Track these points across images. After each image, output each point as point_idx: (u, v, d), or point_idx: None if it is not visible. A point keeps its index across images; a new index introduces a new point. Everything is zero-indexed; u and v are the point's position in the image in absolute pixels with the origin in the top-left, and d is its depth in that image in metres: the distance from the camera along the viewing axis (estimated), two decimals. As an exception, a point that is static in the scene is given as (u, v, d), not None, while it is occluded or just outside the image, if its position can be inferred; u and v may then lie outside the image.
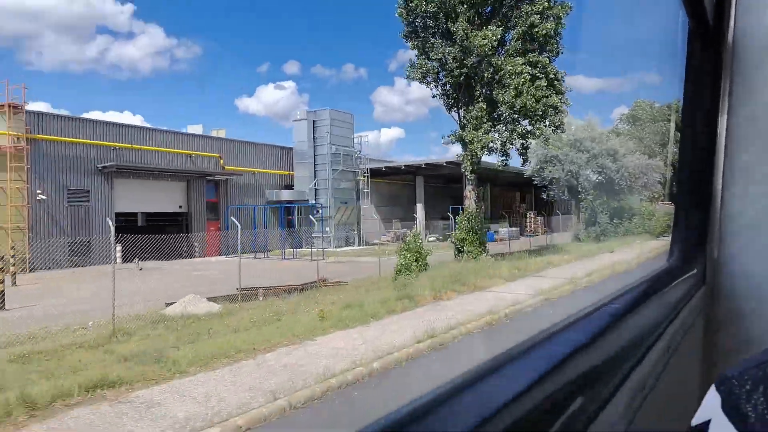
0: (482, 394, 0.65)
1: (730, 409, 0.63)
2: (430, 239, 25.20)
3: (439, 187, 29.15)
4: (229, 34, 72.34)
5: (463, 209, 15.14)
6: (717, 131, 1.56)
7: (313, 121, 23.74)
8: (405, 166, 24.96)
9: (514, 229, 24.54)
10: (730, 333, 1.75)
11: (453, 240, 15.12)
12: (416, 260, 11.94)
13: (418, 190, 25.89)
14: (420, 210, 25.85)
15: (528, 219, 28.36)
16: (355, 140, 24.94)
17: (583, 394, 0.78)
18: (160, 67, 69.16)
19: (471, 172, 14.60)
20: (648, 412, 1.04)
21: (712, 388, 0.66)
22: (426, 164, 24.26)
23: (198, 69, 68.50)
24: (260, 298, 9.59)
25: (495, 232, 24.40)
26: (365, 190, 24.53)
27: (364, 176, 24.55)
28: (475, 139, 13.95)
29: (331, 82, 77.00)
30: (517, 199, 30.79)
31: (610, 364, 0.94)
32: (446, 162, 22.47)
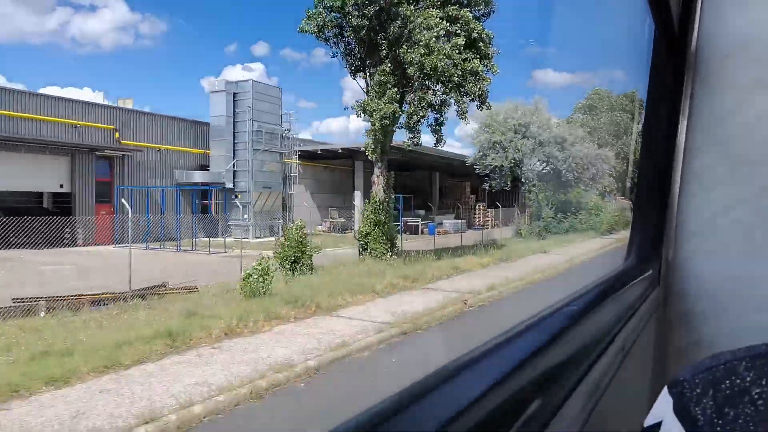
0: (443, 397, 0.69)
1: (681, 411, 0.70)
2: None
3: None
4: (196, 11, 73.94)
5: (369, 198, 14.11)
6: (677, 135, 1.74)
7: (234, 93, 22.36)
8: (342, 149, 24.94)
9: (460, 221, 25.06)
10: (681, 334, 1.95)
11: (356, 236, 13.60)
12: (294, 260, 10.51)
13: (356, 176, 26.32)
14: (358, 198, 26.12)
15: (477, 211, 29.04)
16: (284, 118, 23.71)
17: (541, 396, 0.85)
18: (123, 43, 70.98)
19: (373, 152, 12.90)
20: (603, 412, 1.13)
21: (665, 390, 0.73)
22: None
23: (163, 46, 70.00)
24: (41, 314, 7.42)
25: (439, 224, 24.89)
26: (293, 174, 23.92)
27: (294, 159, 23.83)
28: (376, 110, 12.01)
29: (302, 65, 78.44)
30: (467, 189, 32.62)
31: (567, 365, 1.02)
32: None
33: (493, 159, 22.46)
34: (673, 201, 1.80)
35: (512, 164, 22.19)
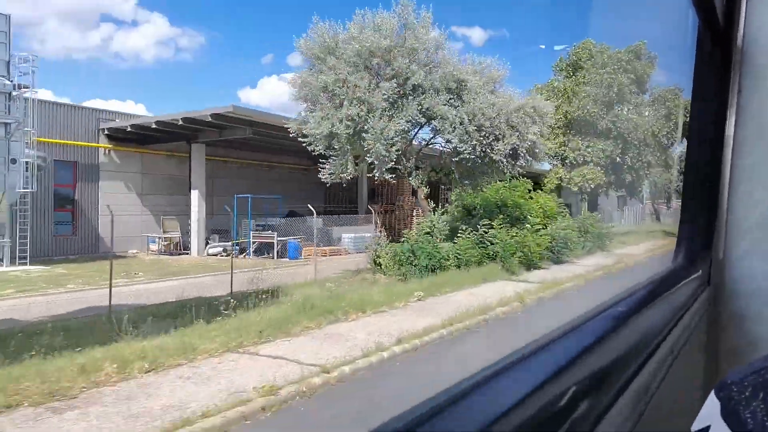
0: (489, 396, 0.88)
1: (730, 415, 0.82)
2: (212, 250, 25.29)
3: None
4: (233, 24, 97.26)
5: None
6: (725, 133, 2.36)
7: None
8: (183, 119, 23.10)
9: (377, 233, 21.85)
10: (733, 335, 2.50)
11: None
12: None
13: (194, 167, 26.32)
14: (196, 201, 26.10)
15: (414, 217, 30.00)
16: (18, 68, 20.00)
17: (588, 398, 1.06)
18: (163, 56, 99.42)
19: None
20: (651, 415, 1.39)
21: (712, 393, 0.85)
22: (214, 115, 22.15)
23: (201, 59, 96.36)
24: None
25: (337, 239, 25.81)
26: (97, 162, 22.35)
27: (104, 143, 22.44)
28: None
29: None
30: (406, 187, 32.25)
31: (614, 367, 1.28)
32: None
33: (318, 124, 17.63)
34: (722, 199, 2.46)
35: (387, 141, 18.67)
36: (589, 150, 38.99)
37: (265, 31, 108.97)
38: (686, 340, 2.05)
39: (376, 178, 20.47)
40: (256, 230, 24.61)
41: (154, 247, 25.06)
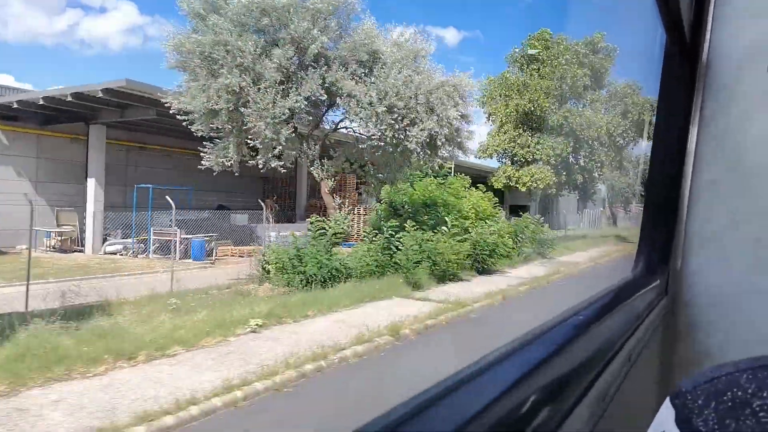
0: (451, 406, 0.94)
1: (683, 422, 0.89)
2: (109, 248, 24.05)
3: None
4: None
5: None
6: (686, 147, 2.70)
7: None
8: (72, 94, 20.82)
9: (298, 233, 18.78)
10: (688, 344, 2.79)
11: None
12: None
13: (91, 152, 24.97)
14: (92, 191, 24.74)
15: (359, 215, 28.20)
16: None
17: (548, 405, 1.16)
18: (131, 45, 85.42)
19: None
20: (608, 421, 1.53)
21: (667, 400, 0.93)
22: (106, 90, 20.47)
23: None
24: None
25: (265, 237, 21.92)
26: None
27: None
28: None
29: None
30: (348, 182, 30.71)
31: (574, 374, 1.39)
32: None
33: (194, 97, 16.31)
34: (682, 211, 2.77)
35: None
36: (539, 147, 38.67)
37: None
38: (643, 348, 2.21)
39: (259, 165, 17.99)
40: (168, 227, 22.85)
41: (49, 242, 23.15)
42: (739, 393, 0.91)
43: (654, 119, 2.89)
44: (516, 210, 51.97)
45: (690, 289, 2.73)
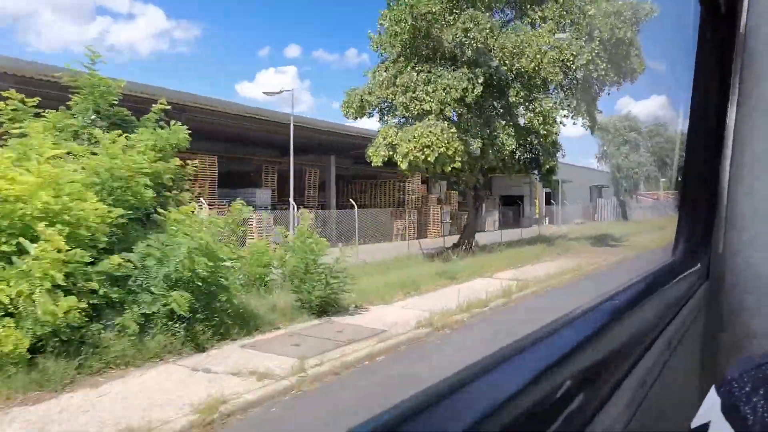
0: (483, 390, 1.01)
1: (730, 411, 0.92)
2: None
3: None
4: (228, 16, 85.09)
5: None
6: (725, 123, 2.67)
7: None
8: None
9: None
10: (731, 329, 2.90)
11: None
12: None
13: None
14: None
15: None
16: None
17: (583, 392, 1.19)
18: (159, 49, 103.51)
19: None
20: (648, 411, 1.57)
21: (712, 389, 0.98)
22: None
23: (198, 52, 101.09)
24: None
25: None
26: None
27: None
28: None
29: (333, 67, 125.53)
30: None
31: (610, 361, 1.44)
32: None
33: None
34: (722, 191, 2.83)
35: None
36: (431, 88, 26.64)
37: (262, 22, 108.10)
38: (684, 334, 2.24)
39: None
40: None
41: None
42: None
43: (691, 94, 2.78)
44: (512, 203, 46.09)
45: (733, 271, 2.77)
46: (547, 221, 48.18)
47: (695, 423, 0.99)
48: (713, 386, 0.97)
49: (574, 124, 31.81)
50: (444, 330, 14.57)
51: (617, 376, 1.43)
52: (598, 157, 55.87)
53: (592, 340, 1.38)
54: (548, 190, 49.95)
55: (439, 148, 24.33)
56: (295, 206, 26.56)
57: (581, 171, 55.77)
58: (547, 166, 30.95)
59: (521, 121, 28.99)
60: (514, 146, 27.22)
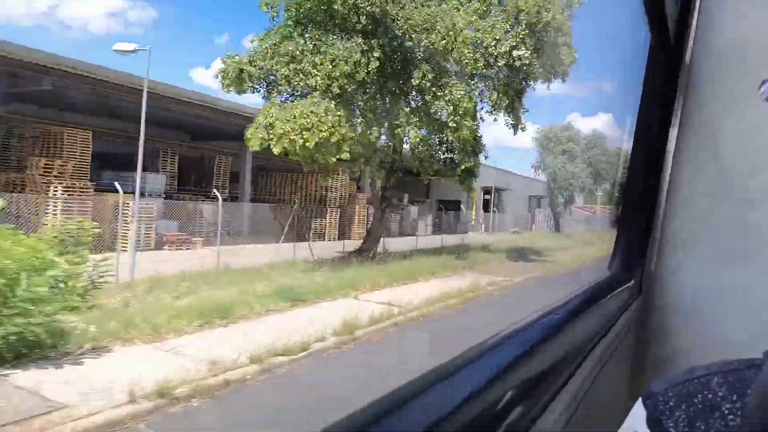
0: (425, 403, 1.04)
1: (654, 423, 0.97)
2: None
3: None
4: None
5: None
6: (666, 146, 2.81)
7: None
8: None
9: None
10: (659, 345, 3.12)
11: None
12: None
13: None
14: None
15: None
16: None
17: (520, 404, 1.26)
18: (113, 29, 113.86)
19: None
20: (580, 422, 1.68)
21: (639, 401, 1.01)
22: None
23: (153, 34, 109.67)
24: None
25: None
26: None
27: None
28: None
29: None
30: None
31: (547, 374, 1.53)
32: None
33: None
34: (658, 211, 3.03)
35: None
36: (318, 59, 23.05)
37: (222, 8, 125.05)
38: (615, 348, 2.29)
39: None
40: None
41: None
42: (710, 396, 0.93)
43: (636, 115, 2.94)
44: (450, 208, 43.74)
45: (663, 290, 2.95)
46: (483, 228, 46.46)
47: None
48: (640, 398, 0.98)
49: (495, 120, 26.84)
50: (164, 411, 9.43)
51: (554, 387, 1.48)
52: (535, 167, 54.93)
53: (532, 353, 1.43)
54: (488, 197, 48.90)
55: (321, 132, 19.83)
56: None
57: (524, 180, 55.14)
58: (463, 167, 25.42)
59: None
60: (419, 139, 22.82)
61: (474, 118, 23.78)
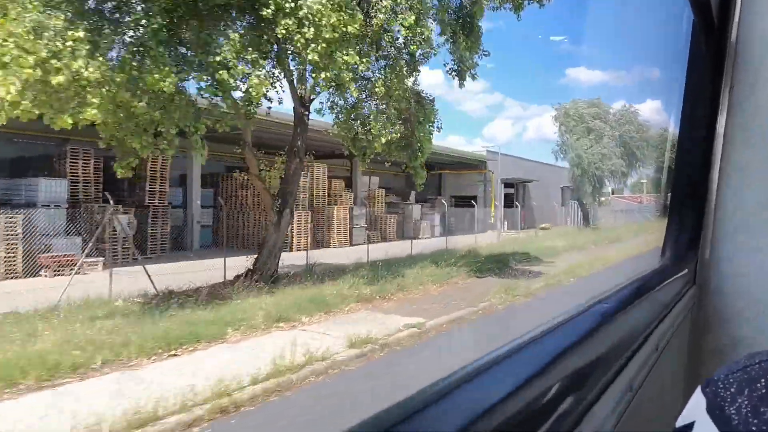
0: (472, 393, 1.03)
1: (715, 411, 0.96)
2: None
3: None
4: None
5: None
6: (715, 131, 2.76)
7: None
8: None
9: None
10: (717, 333, 3.09)
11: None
12: None
13: None
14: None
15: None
16: None
17: (572, 395, 1.25)
18: None
19: None
20: (635, 412, 1.66)
21: (698, 389, 1.01)
22: None
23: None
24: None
25: None
26: None
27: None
28: None
29: None
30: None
31: (599, 364, 1.51)
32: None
33: None
34: (711, 197, 2.96)
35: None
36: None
37: None
38: (670, 338, 2.28)
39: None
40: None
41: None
42: None
43: (682, 101, 2.87)
44: (467, 204, 41.13)
45: (719, 277, 2.90)
46: (506, 226, 41.92)
47: (680, 422, 0.98)
48: (698, 386, 0.96)
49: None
50: None
51: (606, 378, 1.47)
52: (555, 152, 47.36)
53: (582, 343, 1.41)
54: (510, 190, 45.08)
55: (29, 69, 11.65)
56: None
57: (558, 170, 50.26)
58: (386, 143, 18.04)
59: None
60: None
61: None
